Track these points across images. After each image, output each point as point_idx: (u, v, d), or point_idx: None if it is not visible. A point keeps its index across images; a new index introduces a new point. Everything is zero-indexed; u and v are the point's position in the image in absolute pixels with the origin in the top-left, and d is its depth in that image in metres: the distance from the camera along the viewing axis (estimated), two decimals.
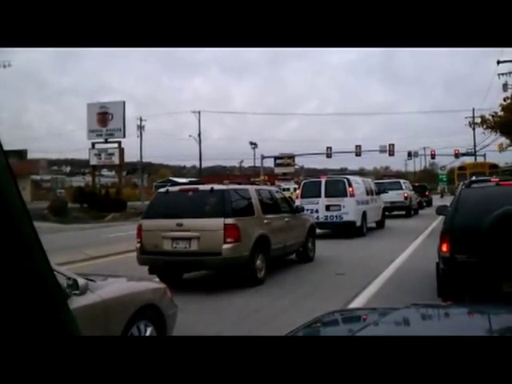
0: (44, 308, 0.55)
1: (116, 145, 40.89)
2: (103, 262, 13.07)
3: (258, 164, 59.99)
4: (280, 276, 10.18)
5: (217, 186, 9.54)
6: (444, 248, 6.73)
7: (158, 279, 8.20)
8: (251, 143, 63.92)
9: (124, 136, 41.48)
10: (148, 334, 4.52)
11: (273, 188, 13.17)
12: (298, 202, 16.17)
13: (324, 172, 39.11)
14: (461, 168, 44.79)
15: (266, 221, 9.91)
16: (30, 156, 52.12)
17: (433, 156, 59.64)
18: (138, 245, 9.46)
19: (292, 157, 59.84)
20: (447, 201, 11.36)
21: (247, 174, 61.82)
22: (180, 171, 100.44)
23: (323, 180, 18.13)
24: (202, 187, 9.80)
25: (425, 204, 35.77)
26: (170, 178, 71.58)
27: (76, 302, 3.70)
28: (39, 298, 0.54)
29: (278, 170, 60.89)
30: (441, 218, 16.59)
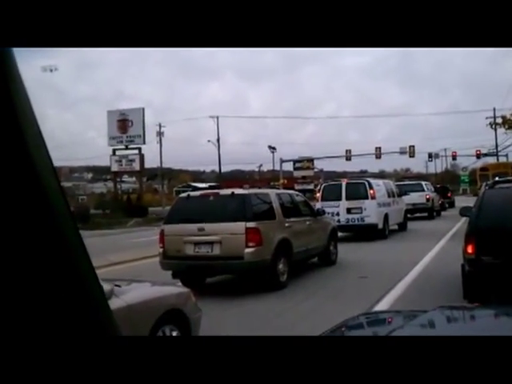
0: (87, 308, 0.56)
1: (136, 151, 41.31)
2: (126, 267, 13.18)
3: (277, 168, 59.98)
4: (302, 280, 10.14)
5: (238, 191, 9.56)
6: (469, 250, 6.64)
7: (181, 284, 8.24)
8: (270, 147, 63.90)
9: (144, 142, 41.90)
10: None
11: (293, 191, 13.15)
12: (318, 205, 16.11)
13: (343, 175, 38.92)
14: (483, 169, 44.11)
15: (287, 224, 9.89)
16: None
17: (454, 157, 58.94)
18: (161, 250, 9.52)
19: (311, 160, 59.72)
20: (470, 202, 11.21)
21: (266, 178, 61.86)
22: (199, 176, 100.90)
23: (344, 183, 18.04)
24: (222, 192, 9.84)
25: (447, 205, 35.29)
26: (190, 183, 71.95)
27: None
28: (83, 297, 0.55)
29: (297, 174, 60.78)
30: (464, 219, 16.38)
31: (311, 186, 45.39)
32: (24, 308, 0.51)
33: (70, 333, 0.54)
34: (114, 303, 4.04)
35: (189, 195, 10.05)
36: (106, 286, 3.95)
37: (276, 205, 9.84)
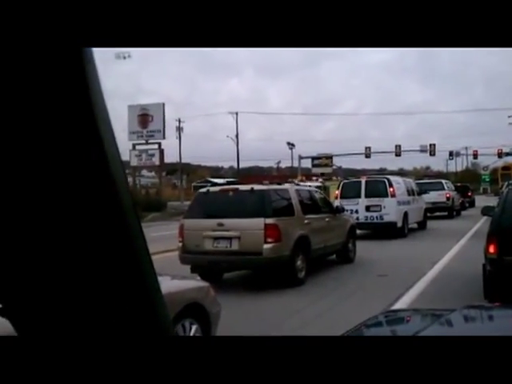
0: (145, 306, 0.56)
1: (156, 146, 41.52)
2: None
3: (295, 165, 59.89)
4: (321, 277, 10.12)
5: (257, 186, 9.57)
6: (491, 249, 6.56)
7: (199, 278, 8.28)
8: (288, 144, 63.80)
9: (164, 137, 42.13)
10: (193, 332, 4.57)
11: (312, 188, 13.11)
12: (337, 203, 16.05)
13: (362, 172, 38.67)
14: (505, 168, 43.53)
15: (306, 221, 9.88)
16: None
17: (475, 156, 58.23)
18: (180, 244, 9.58)
19: (330, 157, 59.47)
20: (491, 201, 11.07)
21: (285, 175, 61.75)
22: (217, 172, 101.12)
23: (363, 180, 17.94)
24: (242, 187, 9.85)
25: (467, 205, 34.89)
26: (208, 178, 72.19)
27: None
28: (142, 295, 0.56)
29: (315, 171, 60.57)
30: (484, 219, 16.16)
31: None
32: (87, 303, 0.52)
33: (130, 331, 0.54)
34: None
35: (208, 190, 10.09)
36: None
37: (295, 201, 9.83)
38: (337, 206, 12.63)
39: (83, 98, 0.47)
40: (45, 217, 0.48)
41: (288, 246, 9.02)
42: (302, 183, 10.98)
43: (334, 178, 43.71)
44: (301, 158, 55.48)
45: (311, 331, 6.03)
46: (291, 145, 63.49)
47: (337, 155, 59.23)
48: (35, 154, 0.46)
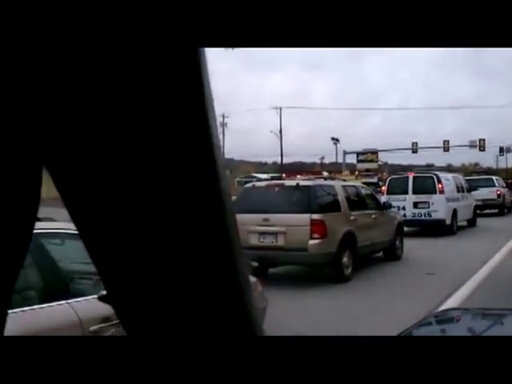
0: (237, 304, 0.55)
1: None
2: None
3: (339, 160, 59.37)
4: (367, 274, 9.99)
5: (303, 182, 9.54)
6: None
7: None
8: (333, 139, 63.29)
9: None
10: None
11: (359, 184, 12.97)
12: (383, 199, 15.81)
13: (409, 168, 38.01)
14: None
15: (352, 217, 9.77)
16: None
17: None
18: None
19: (375, 152, 58.61)
20: None
21: (329, 171, 61.38)
22: (261, 167, 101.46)
23: (411, 176, 17.61)
24: (287, 182, 9.83)
25: None
26: (253, 173, 72.55)
27: None
28: (236, 293, 0.55)
29: (360, 166, 59.85)
30: None
31: (375, 180, 44.63)
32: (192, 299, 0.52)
33: (223, 330, 0.54)
34: None
35: (254, 185, 10.13)
36: None
37: (341, 197, 9.73)
38: (384, 203, 12.45)
39: (197, 98, 0.48)
40: (157, 213, 0.49)
41: (334, 242, 8.95)
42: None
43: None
44: (345, 153, 54.93)
45: (359, 329, 5.96)
46: (336, 140, 62.99)
47: (382, 150, 58.36)
48: (154, 153, 0.47)
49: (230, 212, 0.53)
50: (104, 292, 0.54)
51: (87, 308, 3.36)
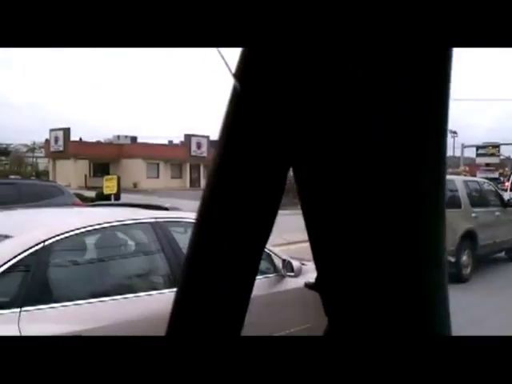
0: (424, 301, 0.56)
1: None
2: (298, 247, 13.52)
3: (457, 154, 56.35)
4: (487, 275, 9.44)
5: None
6: None
7: None
8: (450, 131, 60.19)
9: None
10: None
11: (481, 179, 12.24)
12: (506, 196, 14.80)
13: None
14: None
15: (473, 214, 9.26)
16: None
17: None
18: None
19: (497, 146, 54.89)
20: None
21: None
22: None
23: None
24: None
25: None
26: None
27: (294, 283, 3.89)
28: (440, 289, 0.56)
29: (479, 161, 56.40)
30: None
31: (496, 175, 41.86)
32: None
33: (408, 328, 0.55)
34: (299, 281, 4.15)
35: None
36: (295, 264, 4.07)
37: (462, 193, 9.26)
38: (508, 200, 11.66)
39: (443, 97, 0.51)
40: (380, 216, 0.53)
41: (453, 240, 8.55)
42: None
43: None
44: (464, 146, 51.99)
45: (480, 330, 5.66)
46: (453, 132, 59.87)
47: (505, 144, 54.47)
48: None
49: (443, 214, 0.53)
50: (311, 280, 0.57)
51: None
